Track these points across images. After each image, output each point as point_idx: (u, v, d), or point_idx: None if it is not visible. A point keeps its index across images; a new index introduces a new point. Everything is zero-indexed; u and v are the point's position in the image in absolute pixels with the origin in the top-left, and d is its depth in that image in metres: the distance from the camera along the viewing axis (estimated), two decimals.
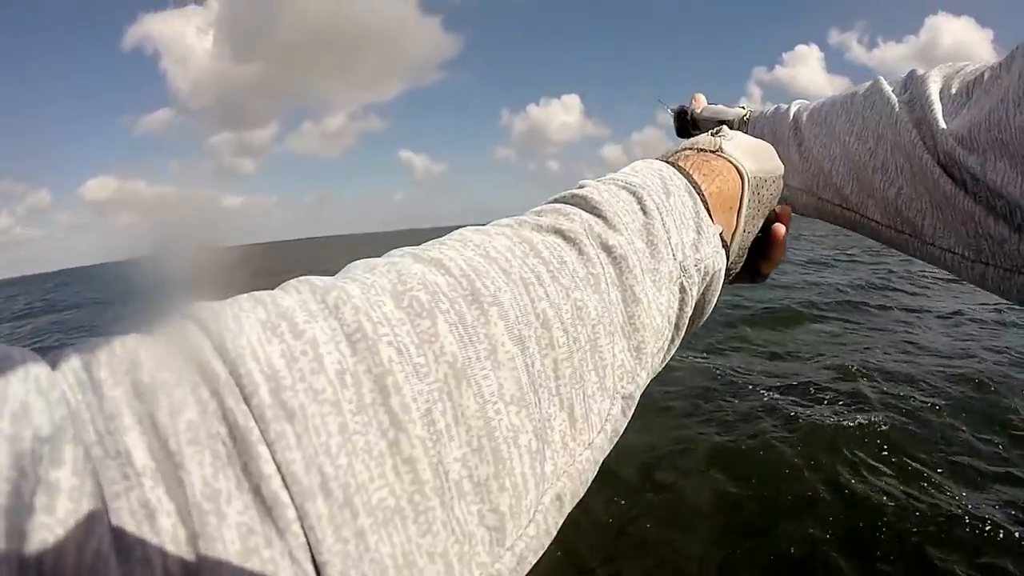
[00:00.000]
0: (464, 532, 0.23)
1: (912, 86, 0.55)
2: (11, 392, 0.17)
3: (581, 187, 0.38)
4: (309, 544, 0.19)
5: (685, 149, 0.47)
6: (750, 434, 3.34)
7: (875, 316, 6.11)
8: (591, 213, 0.35)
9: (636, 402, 0.33)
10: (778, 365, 4.56)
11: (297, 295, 0.24)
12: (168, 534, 0.17)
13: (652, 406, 3.58)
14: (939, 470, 2.92)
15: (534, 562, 0.26)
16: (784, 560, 2.35)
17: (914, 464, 2.96)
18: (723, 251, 0.41)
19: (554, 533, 0.28)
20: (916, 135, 0.52)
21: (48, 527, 0.15)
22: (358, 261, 0.29)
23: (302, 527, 0.19)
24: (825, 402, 3.73)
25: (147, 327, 0.21)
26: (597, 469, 0.31)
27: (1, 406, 0.16)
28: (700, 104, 0.94)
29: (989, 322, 5.54)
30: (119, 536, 0.17)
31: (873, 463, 3.00)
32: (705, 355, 4.66)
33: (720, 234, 0.41)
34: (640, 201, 0.37)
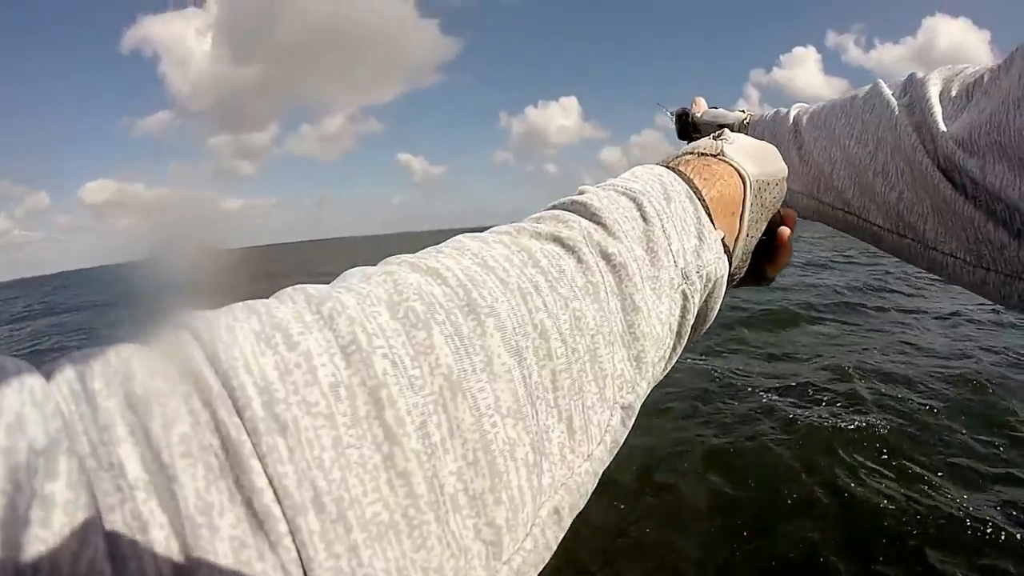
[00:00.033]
0: (460, 547, 0.23)
1: (912, 89, 0.55)
2: (6, 404, 0.17)
3: (581, 193, 0.37)
4: (301, 559, 0.19)
5: (686, 154, 0.46)
6: (748, 436, 3.34)
7: (873, 317, 6.12)
8: (590, 220, 0.34)
9: (636, 412, 0.33)
10: (776, 367, 4.56)
11: (292, 305, 0.23)
12: (161, 546, 0.17)
13: (651, 408, 3.57)
14: (937, 472, 2.92)
15: None
16: (783, 562, 2.35)
17: (912, 466, 2.96)
18: (725, 257, 0.40)
19: (554, 547, 0.27)
20: (916, 139, 0.51)
21: (43, 540, 0.15)
22: (354, 269, 0.29)
23: (294, 541, 0.19)
24: (823, 404, 3.73)
25: (142, 335, 0.21)
26: (597, 481, 0.30)
27: None
28: (701, 107, 0.94)
29: (986, 323, 5.55)
30: (113, 548, 0.17)
31: (871, 465, 3.00)
32: (704, 357, 4.66)
33: (722, 239, 0.40)
34: (640, 207, 0.36)
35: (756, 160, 0.46)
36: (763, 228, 0.48)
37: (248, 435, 0.19)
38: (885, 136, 0.55)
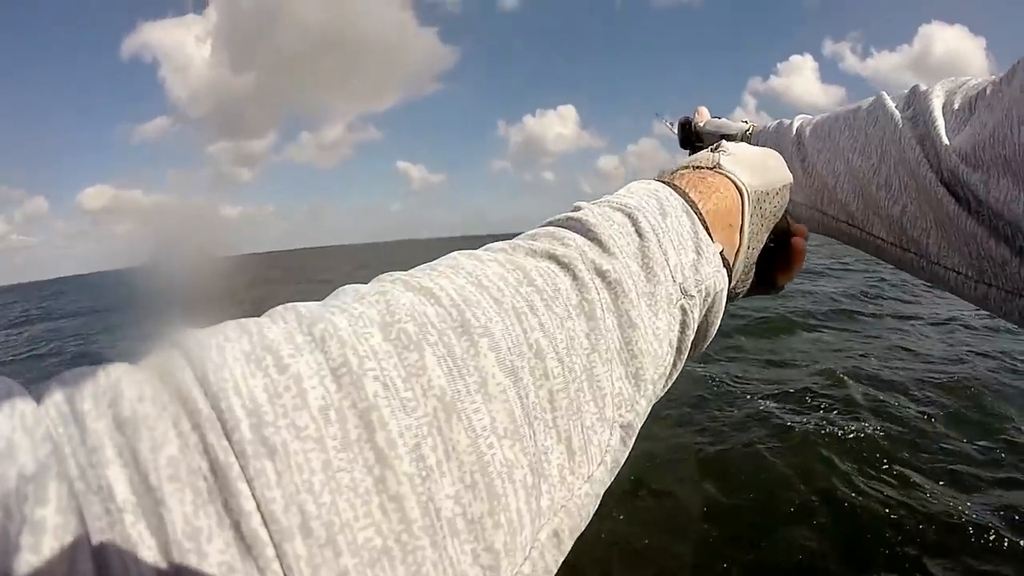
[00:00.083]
0: (456, 572, 0.22)
1: (915, 102, 0.54)
2: None
3: (576, 209, 0.37)
4: None
5: (682, 168, 0.46)
6: (745, 443, 3.35)
7: (869, 324, 6.13)
8: (585, 237, 0.34)
9: (636, 431, 0.32)
10: (773, 374, 4.57)
11: (284, 325, 0.23)
12: (150, 571, 0.17)
13: (649, 415, 3.56)
14: (933, 477, 2.92)
15: None
16: (780, 570, 2.35)
17: (908, 472, 2.96)
18: (725, 270, 0.40)
19: (553, 570, 0.27)
20: (920, 152, 0.51)
21: (33, 565, 0.16)
22: (348, 286, 0.28)
23: (281, 567, 0.19)
24: (820, 410, 3.73)
25: (136, 350, 0.21)
26: (598, 503, 0.30)
27: None
28: (703, 117, 0.95)
29: (981, 328, 5.58)
30: (102, 572, 0.17)
31: (867, 471, 3.00)
32: (701, 364, 4.65)
33: (721, 252, 0.40)
34: (635, 223, 0.36)
35: (754, 171, 0.46)
36: (765, 238, 0.47)
37: (236, 458, 0.19)
38: (889, 149, 0.55)
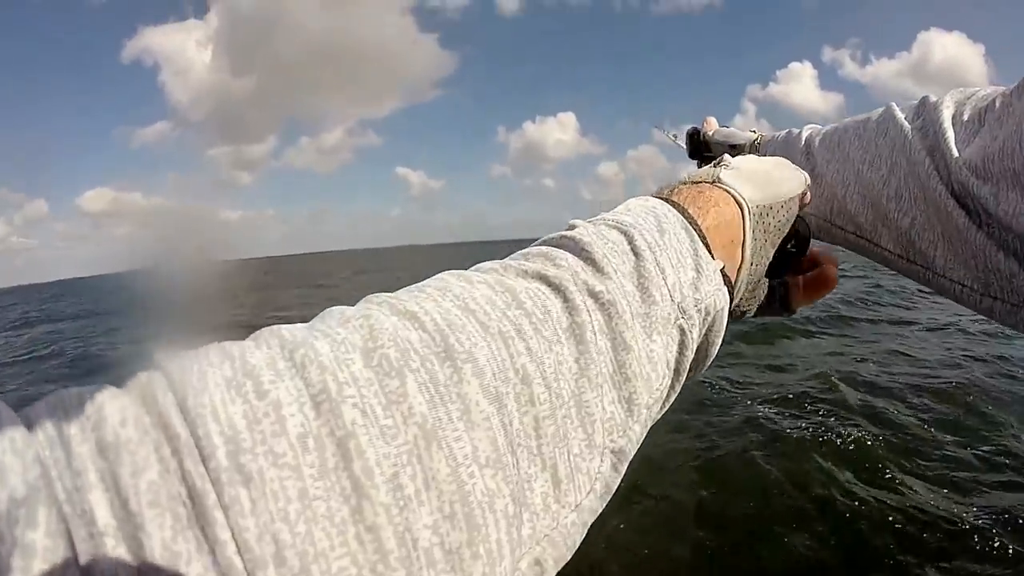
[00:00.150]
0: None
1: (925, 113, 0.54)
2: None
3: (571, 227, 0.37)
4: None
5: (681, 184, 0.45)
6: (743, 448, 3.35)
7: (867, 329, 6.15)
8: (579, 256, 0.34)
9: (630, 457, 0.32)
10: (771, 379, 4.58)
11: (267, 351, 0.23)
12: None
13: None
14: (929, 482, 2.93)
15: None
16: (775, 573, 2.35)
17: (904, 477, 2.97)
18: (725, 289, 0.39)
19: None
20: (930, 164, 0.51)
21: None
22: (334, 309, 0.28)
23: None
24: (818, 415, 3.74)
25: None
26: (586, 530, 0.29)
27: None
28: (712, 127, 0.95)
29: (977, 333, 5.62)
30: None
31: (864, 476, 3.00)
32: None
33: (723, 269, 0.39)
34: (631, 241, 0.35)
35: (757, 184, 0.45)
36: (771, 254, 0.46)
37: (212, 485, 0.19)
38: (899, 160, 0.54)
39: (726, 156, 0.47)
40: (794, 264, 0.51)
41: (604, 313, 0.31)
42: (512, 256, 0.35)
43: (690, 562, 2.46)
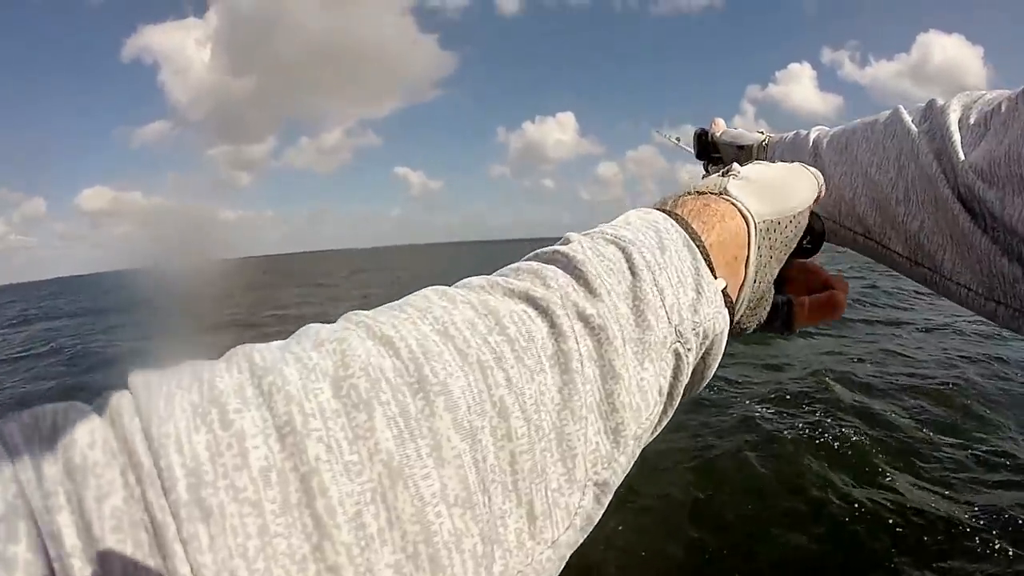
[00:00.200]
0: None
1: (932, 116, 0.54)
2: None
3: (566, 242, 0.35)
4: None
5: (685, 194, 0.43)
6: (739, 447, 3.36)
7: (862, 330, 6.18)
8: (571, 275, 0.32)
9: (614, 488, 0.30)
10: (768, 378, 4.60)
11: (236, 375, 0.23)
12: None
13: None
14: (924, 482, 2.94)
15: None
16: (770, 573, 2.36)
17: (899, 476, 2.98)
18: (726, 311, 0.37)
19: None
20: (937, 167, 0.51)
21: None
22: (311, 327, 0.28)
23: None
24: (815, 415, 3.76)
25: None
26: (563, 565, 0.28)
27: None
28: (719, 128, 0.95)
29: (971, 335, 5.65)
30: None
31: (860, 477, 3.02)
32: None
33: (724, 289, 0.37)
34: (629, 258, 0.34)
35: (765, 196, 0.43)
36: (776, 271, 0.44)
37: (173, 518, 0.19)
38: (907, 163, 0.54)
39: (735, 165, 0.45)
40: (804, 279, 0.50)
41: (594, 338, 0.30)
42: (501, 271, 0.34)
43: (688, 562, 2.47)
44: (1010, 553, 2.37)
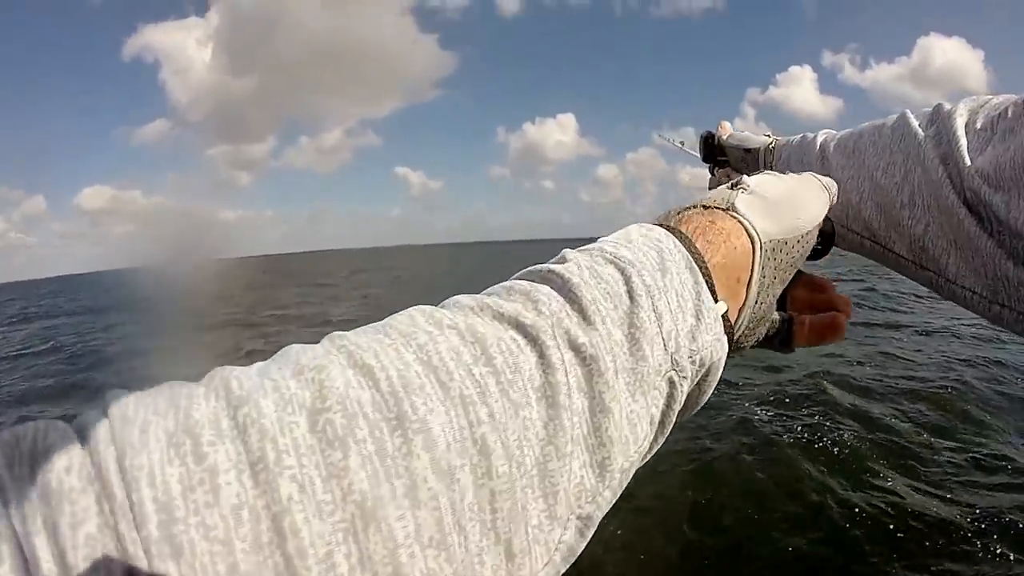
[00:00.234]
0: None
1: (939, 120, 0.54)
2: None
3: (562, 260, 0.34)
4: None
5: (691, 207, 0.41)
6: (737, 449, 3.37)
7: (860, 332, 6.16)
8: (565, 298, 0.31)
9: (597, 521, 0.30)
10: (767, 379, 4.61)
11: (213, 403, 0.23)
12: None
13: None
14: (921, 485, 2.95)
15: None
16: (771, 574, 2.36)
17: (897, 479, 2.99)
18: (725, 338, 0.36)
19: None
20: (943, 171, 0.51)
21: None
22: (293, 349, 0.27)
23: None
24: (813, 417, 3.76)
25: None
26: None
27: None
28: (726, 131, 0.95)
29: (968, 338, 5.68)
30: None
31: (857, 479, 3.02)
32: None
33: (724, 313, 0.36)
34: (627, 281, 0.32)
35: (774, 213, 0.41)
36: (780, 290, 0.43)
37: (144, 553, 0.19)
38: (913, 168, 0.55)
39: (744, 177, 0.44)
40: (808, 295, 0.49)
41: (584, 369, 0.29)
42: (493, 290, 0.33)
43: (686, 565, 2.47)
44: (1009, 557, 2.37)
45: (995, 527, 2.56)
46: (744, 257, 0.38)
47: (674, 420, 0.35)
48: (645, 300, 0.32)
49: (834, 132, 0.70)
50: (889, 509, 2.72)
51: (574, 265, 0.33)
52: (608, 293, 0.32)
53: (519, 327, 0.29)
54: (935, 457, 3.24)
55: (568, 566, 0.29)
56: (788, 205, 0.43)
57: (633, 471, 0.33)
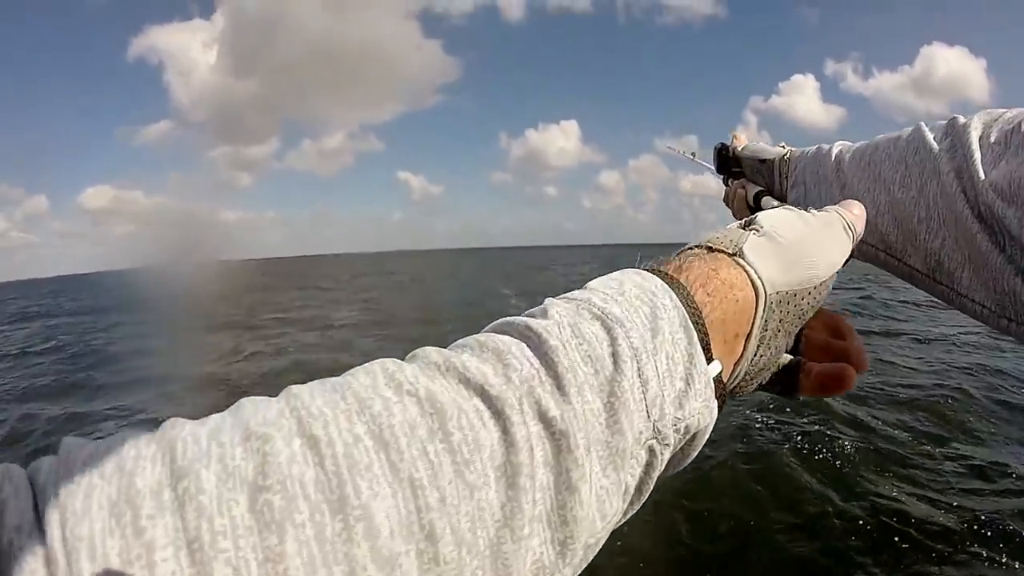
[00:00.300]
0: None
1: (953, 133, 0.54)
2: None
3: (544, 313, 0.32)
4: None
5: (696, 248, 0.38)
6: (734, 453, 3.37)
7: (857, 340, 6.19)
8: (541, 361, 0.29)
9: None
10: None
11: (158, 470, 0.22)
12: None
13: None
14: (917, 489, 2.94)
15: None
16: None
17: (892, 485, 2.99)
18: (716, 403, 0.34)
19: None
20: (957, 185, 0.51)
21: None
22: (247, 405, 0.26)
23: None
24: (813, 425, 3.76)
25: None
26: None
27: None
28: (741, 142, 0.94)
29: (963, 346, 5.70)
30: None
31: (852, 485, 3.02)
32: None
33: (719, 375, 0.34)
34: (613, 342, 0.30)
35: (786, 261, 0.38)
36: (785, 344, 0.40)
37: None
38: (929, 181, 0.54)
39: (759, 216, 0.41)
40: (824, 339, 0.45)
41: (553, 444, 0.27)
42: (466, 342, 0.31)
43: (686, 571, 2.46)
44: (1013, 566, 2.37)
45: (995, 534, 2.56)
46: (746, 312, 0.36)
47: (653, 485, 0.32)
48: (630, 365, 0.30)
49: (849, 143, 0.70)
50: (889, 517, 2.71)
51: (554, 324, 0.31)
52: (590, 356, 0.30)
53: (484, 397, 0.28)
54: (934, 465, 3.24)
55: None
56: (803, 251, 0.39)
57: (601, 544, 0.31)
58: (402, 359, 0.31)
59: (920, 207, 0.55)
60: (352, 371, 0.29)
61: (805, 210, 0.44)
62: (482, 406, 0.27)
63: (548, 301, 0.33)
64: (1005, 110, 0.53)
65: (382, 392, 0.27)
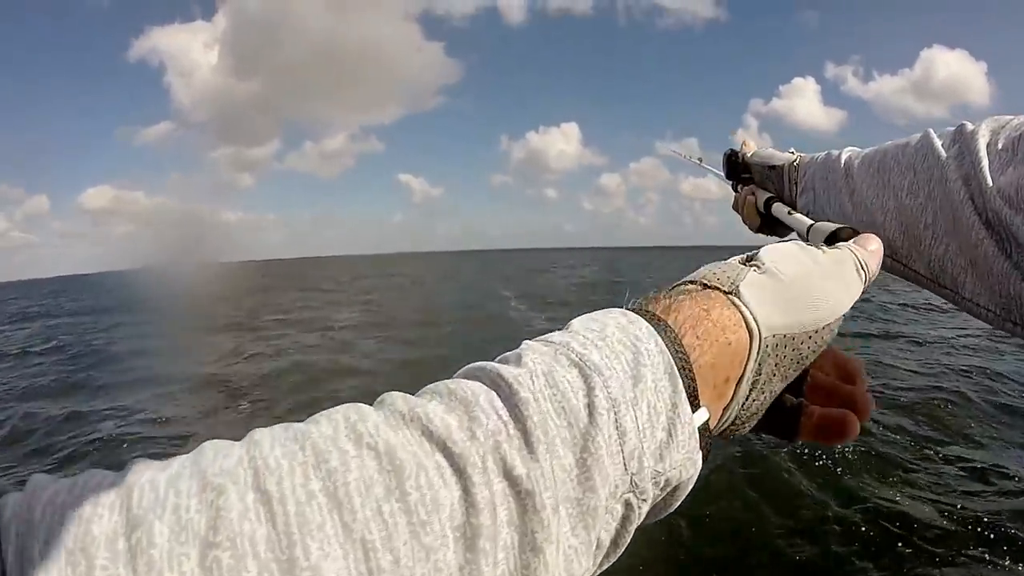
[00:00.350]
0: None
1: (961, 140, 0.54)
2: None
3: (518, 359, 0.31)
4: None
5: (690, 284, 0.37)
6: (732, 456, 3.36)
7: (858, 342, 6.23)
8: (510, 414, 0.28)
9: None
10: None
11: (115, 518, 0.22)
12: None
13: None
14: (916, 491, 2.94)
15: None
16: None
17: (893, 487, 2.98)
18: (700, 455, 0.32)
19: None
20: (964, 192, 0.51)
21: None
22: (208, 450, 0.26)
23: None
24: None
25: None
26: None
27: None
28: (750, 148, 0.94)
29: (961, 348, 5.74)
30: None
31: (851, 488, 3.02)
32: None
33: (705, 423, 0.32)
34: (589, 393, 0.29)
35: (787, 302, 0.36)
36: (780, 389, 0.37)
37: None
38: (936, 188, 0.55)
39: (761, 252, 0.39)
40: (831, 383, 0.43)
41: (518, 504, 0.26)
42: (436, 388, 0.30)
43: (685, 570, 2.46)
44: (1009, 566, 2.37)
45: (996, 537, 2.56)
46: (739, 353, 0.34)
47: (630, 538, 0.31)
48: (606, 418, 0.29)
49: (858, 150, 0.70)
50: (888, 520, 2.71)
51: (527, 373, 0.29)
52: (563, 408, 0.28)
53: (446, 453, 0.27)
54: (934, 468, 3.24)
55: None
56: (807, 291, 0.37)
57: None
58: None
59: (927, 213, 0.56)
60: (316, 417, 0.28)
61: (817, 246, 0.41)
62: (444, 463, 0.26)
63: (525, 345, 0.32)
64: (1012, 117, 0.53)
65: (341, 445, 0.26)
